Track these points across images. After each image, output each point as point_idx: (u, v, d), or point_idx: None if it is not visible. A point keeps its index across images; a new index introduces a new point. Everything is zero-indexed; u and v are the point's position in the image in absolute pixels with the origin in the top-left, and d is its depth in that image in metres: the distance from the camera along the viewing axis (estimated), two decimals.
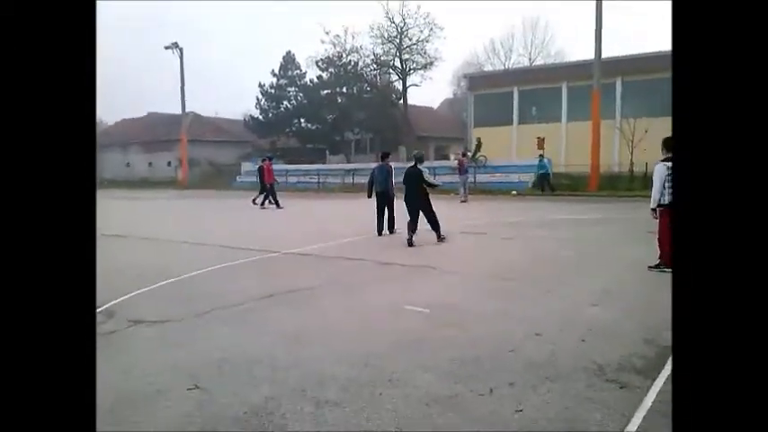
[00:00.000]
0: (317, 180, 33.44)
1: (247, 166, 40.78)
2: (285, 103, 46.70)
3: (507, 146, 32.29)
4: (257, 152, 45.19)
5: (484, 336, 4.52)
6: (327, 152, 46.94)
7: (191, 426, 3.02)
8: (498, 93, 34.96)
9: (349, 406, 3.22)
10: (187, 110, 42.20)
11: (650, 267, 7.07)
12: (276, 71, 46.57)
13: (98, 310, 5.29)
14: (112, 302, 5.68)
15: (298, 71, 46.87)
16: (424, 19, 39.27)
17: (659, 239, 7.09)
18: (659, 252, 7.05)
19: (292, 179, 34.31)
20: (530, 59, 51.57)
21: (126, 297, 5.96)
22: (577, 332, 4.53)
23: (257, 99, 46.46)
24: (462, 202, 19.34)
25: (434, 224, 9.75)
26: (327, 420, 3.06)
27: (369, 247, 9.48)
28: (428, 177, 9.89)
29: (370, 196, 11.11)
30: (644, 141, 23.44)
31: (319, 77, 45.44)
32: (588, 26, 54.00)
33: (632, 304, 5.50)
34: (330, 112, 45.03)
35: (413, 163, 10.06)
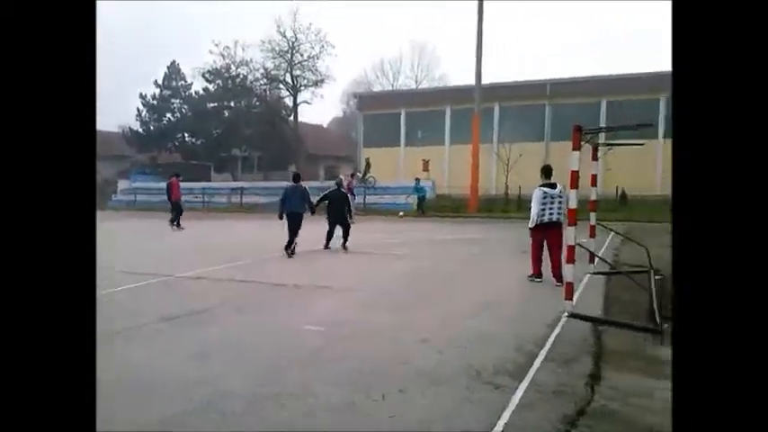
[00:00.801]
0: (201, 199, 32.11)
1: (124, 184, 38.30)
2: (168, 115, 44.80)
3: (395, 167, 33.49)
4: (137, 168, 42.82)
5: (376, 348, 4.91)
6: (212, 169, 45.49)
7: None
8: (387, 114, 36.16)
9: (254, 416, 3.45)
10: None
11: (529, 277, 8.13)
12: (159, 81, 44.66)
13: None
14: None
15: (183, 82, 45.25)
16: (316, 35, 39.74)
17: (532, 255, 8.11)
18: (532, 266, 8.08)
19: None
20: (416, 82, 53.99)
21: None
22: (460, 341, 5.07)
23: (138, 110, 44.16)
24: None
25: (347, 235, 11.91)
26: (233, 429, 3.27)
27: (262, 269, 9.58)
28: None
29: (281, 217, 11.34)
30: (518, 165, 25.59)
31: (206, 89, 44.17)
32: (470, 53, 57.31)
33: (506, 316, 6.20)
34: (216, 127, 43.85)
35: (336, 186, 12.35)
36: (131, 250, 12.67)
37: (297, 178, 11.91)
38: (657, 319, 5.64)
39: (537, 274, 8.04)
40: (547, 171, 8.11)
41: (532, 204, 8.00)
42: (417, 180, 25.22)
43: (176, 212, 18.06)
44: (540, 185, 7.98)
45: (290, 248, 11.04)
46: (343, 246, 11.75)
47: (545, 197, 7.84)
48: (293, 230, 11.16)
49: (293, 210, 11.24)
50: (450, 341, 5.10)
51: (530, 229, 8.08)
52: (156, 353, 4.83)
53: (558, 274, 7.75)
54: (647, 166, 29.18)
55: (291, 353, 4.81)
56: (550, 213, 7.83)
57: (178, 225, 17.83)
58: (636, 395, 3.85)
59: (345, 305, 6.73)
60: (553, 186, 7.89)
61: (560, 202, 7.85)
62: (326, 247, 11.85)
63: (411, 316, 6.16)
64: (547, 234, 7.92)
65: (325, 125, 57.62)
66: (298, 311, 6.41)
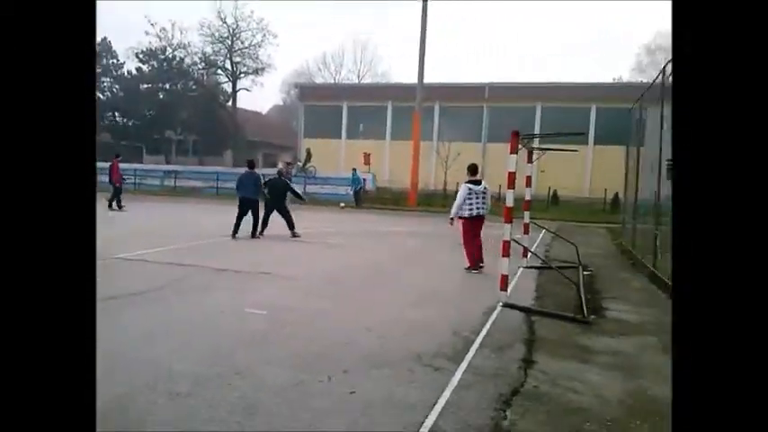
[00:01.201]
0: (132, 181, 30.87)
1: None
2: (98, 94, 42.67)
3: (336, 159, 33.47)
4: None
5: (320, 333, 4.99)
6: (144, 151, 43.76)
7: None
8: (328, 106, 36.07)
9: (201, 396, 3.45)
10: None
11: (466, 269, 8.51)
12: None
13: None
14: None
15: (114, 60, 43.24)
16: (258, 24, 39.09)
17: (465, 249, 8.50)
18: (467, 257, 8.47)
19: (104, 178, 31.25)
20: (358, 77, 54.04)
21: None
22: (401, 328, 5.23)
23: None
24: None
25: (292, 224, 11.94)
26: (180, 410, 3.26)
27: (201, 253, 9.41)
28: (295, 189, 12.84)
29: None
30: (456, 162, 26.23)
31: (139, 70, 42.42)
32: (412, 52, 57.91)
33: (445, 304, 6.42)
34: (150, 108, 42.21)
35: (277, 175, 12.63)
36: None
37: (252, 165, 12.23)
38: (585, 311, 6.04)
39: (473, 266, 8.39)
40: (473, 169, 8.66)
41: (457, 198, 8.54)
42: (354, 171, 25.25)
43: (116, 193, 17.71)
44: (466, 182, 8.43)
45: (236, 235, 11.32)
46: (293, 234, 11.83)
47: (470, 193, 8.35)
48: (241, 216, 11.45)
49: (247, 195, 11.54)
50: (391, 327, 5.24)
51: (450, 219, 8.64)
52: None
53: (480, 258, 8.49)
54: (577, 171, 30.64)
55: (237, 335, 4.81)
56: (477, 207, 8.36)
57: (118, 205, 17.61)
58: (564, 378, 4.13)
59: (287, 290, 6.74)
60: (478, 183, 8.41)
61: (484, 198, 8.43)
62: (261, 233, 11.78)
63: (352, 303, 6.27)
64: (474, 225, 8.46)
65: (264, 112, 56.64)
66: (241, 295, 6.37)
